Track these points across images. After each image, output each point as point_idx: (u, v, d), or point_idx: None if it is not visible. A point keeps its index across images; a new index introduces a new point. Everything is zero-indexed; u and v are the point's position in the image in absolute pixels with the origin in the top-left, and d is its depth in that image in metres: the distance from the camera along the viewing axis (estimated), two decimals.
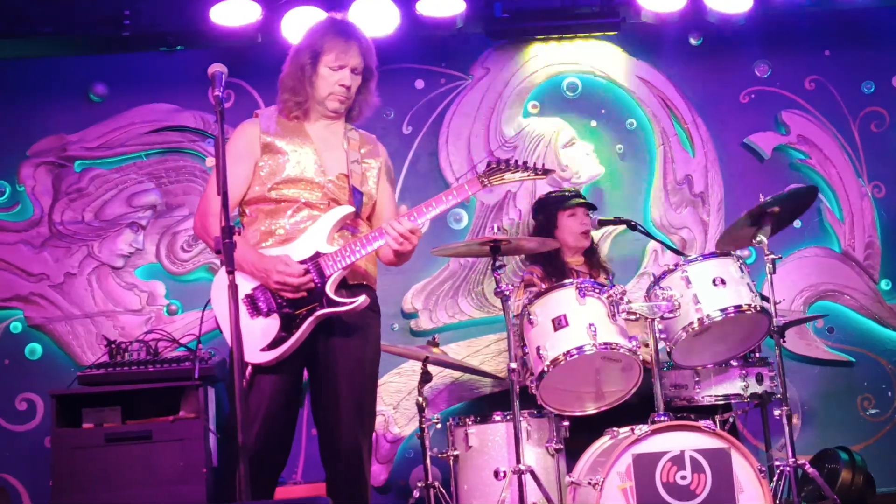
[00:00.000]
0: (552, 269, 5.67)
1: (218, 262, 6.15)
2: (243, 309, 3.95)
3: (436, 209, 4.09)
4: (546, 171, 4.25)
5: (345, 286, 4.05)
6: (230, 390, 3.97)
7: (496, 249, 4.71)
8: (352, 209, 4.10)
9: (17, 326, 6.25)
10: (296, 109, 4.17)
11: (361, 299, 3.98)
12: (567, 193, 5.99)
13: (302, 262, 3.96)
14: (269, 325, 3.95)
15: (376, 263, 4.28)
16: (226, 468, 4.17)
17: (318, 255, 3.98)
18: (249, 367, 3.90)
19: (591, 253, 5.93)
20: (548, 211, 5.93)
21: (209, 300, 4.12)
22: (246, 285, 3.96)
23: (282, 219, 4.07)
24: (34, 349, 6.24)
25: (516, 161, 4.16)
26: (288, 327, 3.94)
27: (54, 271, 6.30)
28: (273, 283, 3.92)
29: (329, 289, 3.96)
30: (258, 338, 3.93)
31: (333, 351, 4.04)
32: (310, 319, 3.95)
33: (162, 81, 6.48)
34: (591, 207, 5.93)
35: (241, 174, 4.10)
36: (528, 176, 4.18)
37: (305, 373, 4.15)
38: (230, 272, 3.37)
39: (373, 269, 4.25)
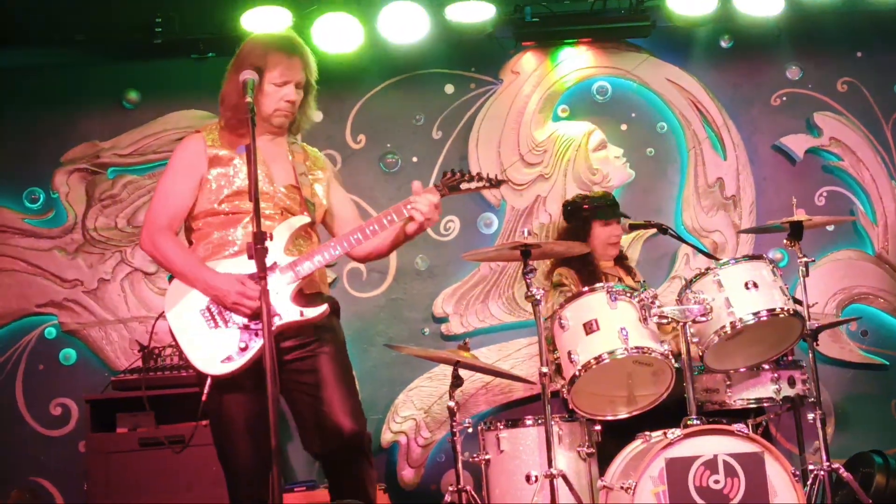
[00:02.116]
0: (586, 273, 5.64)
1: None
2: (201, 320, 3.90)
3: (394, 219, 4.04)
4: (499, 182, 4.27)
5: (302, 294, 3.98)
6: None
7: (527, 253, 4.70)
8: (308, 219, 4.07)
9: (51, 332, 6.30)
10: (240, 127, 4.03)
11: (323, 308, 3.94)
12: (604, 201, 5.92)
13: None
14: (229, 337, 3.88)
15: (326, 276, 4.22)
16: None
17: (276, 266, 3.92)
18: (210, 380, 3.84)
19: (620, 258, 5.92)
20: (583, 218, 5.87)
21: (163, 312, 4.04)
22: (202, 297, 3.92)
23: (234, 231, 4.02)
24: (68, 354, 6.30)
25: (470, 172, 4.19)
26: (247, 338, 3.87)
27: (88, 277, 6.36)
28: (229, 304, 3.86)
29: (290, 299, 3.92)
30: (217, 349, 3.86)
31: (305, 351, 3.96)
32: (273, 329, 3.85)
33: (194, 88, 6.51)
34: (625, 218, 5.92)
35: (187, 188, 4.04)
36: (483, 186, 4.20)
37: None
38: (262, 278, 3.37)
39: (322, 276, 4.19)
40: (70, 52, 6.41)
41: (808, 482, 4.68)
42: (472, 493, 5.11)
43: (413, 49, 6.39)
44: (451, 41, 6.54)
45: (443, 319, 6.45)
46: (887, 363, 6.50)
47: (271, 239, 3.48)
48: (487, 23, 6.32)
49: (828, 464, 4.72)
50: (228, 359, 3.85)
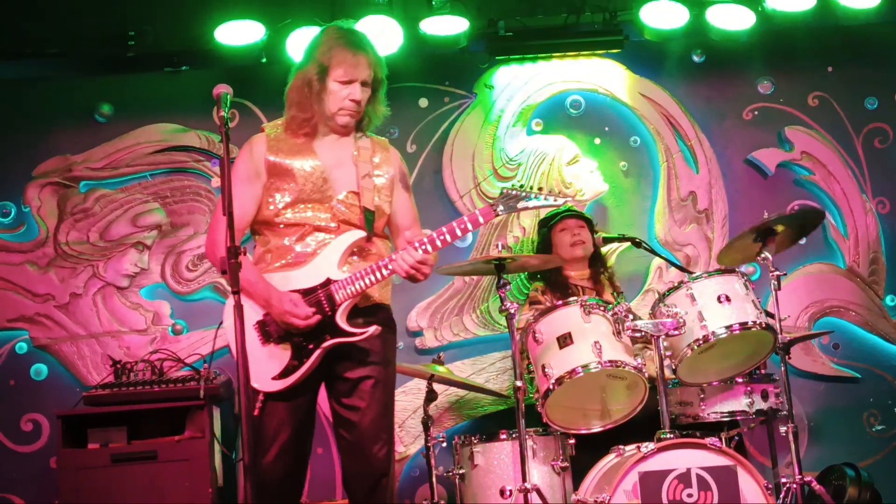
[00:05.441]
0: (555, 286, 5.68)
1: (225, 282, 6.20)
2: (254, 335, 3.92)
3: (448, 239, 3.98)
4: (564, 200, 4.11)
5: (357, 309, 3.98)
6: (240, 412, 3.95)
7: (501, 267, 4.71)
8: (363, 234, 4.00)
9: (22, 347, 6.25)
10: (304, 126, 4.04)
11: (372, 329, 3.91)
12: (560, 211, 5.96)
13: (312, 289, 3.90)
14: (280, 353, 3.91)
15: (390, 283, 4.17)
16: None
17: (328, 281, 3.91)
18: (261, 395, 3.88)
19: (596, 266, 5.91)
20: (543, 232, 5.95)
21: (222, 320, 4.10)
22: (258, 310, 3.93)
23: (291, 242, 3.99)
24: (40, 370, 6.25)
25: (530, 189, 4.05)
26: (299, 356, 3.89)
27: (60, 292, 6.31)
28: (279, 320, 3.88)
29: (340, 318, 3.90)
30: (269, 365, 3.89)
31: (352, 370, 3.98)
32: (320, 350, 3.90)
33: (167, 101, 6.50)
34: (583, 218, 5.93)
35: (249, 195, 4.01)
36: (543, 205, 4.06)
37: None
38: (235, 292, 3.35)
39: (386, 289, 4.16)
40: (43, 65, 6.37)
41: (781, 495, 4.70)
42: None
43: (387, 62, 6.36)
44: (425, 55, 6.55)
45: (417, 333, 6.43)
46: (859, 376, 6.53)
47: (244, 254, 3.44)
48: (461, 37, 6.33)
49: (800, 477, 4.74)
50: (279, 376, 3.88)
